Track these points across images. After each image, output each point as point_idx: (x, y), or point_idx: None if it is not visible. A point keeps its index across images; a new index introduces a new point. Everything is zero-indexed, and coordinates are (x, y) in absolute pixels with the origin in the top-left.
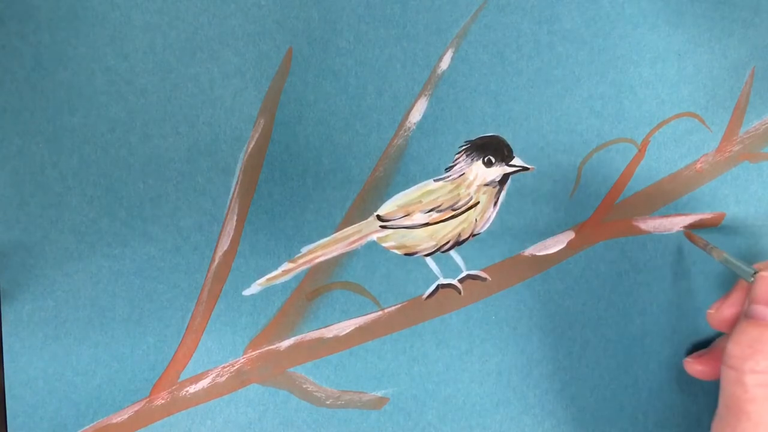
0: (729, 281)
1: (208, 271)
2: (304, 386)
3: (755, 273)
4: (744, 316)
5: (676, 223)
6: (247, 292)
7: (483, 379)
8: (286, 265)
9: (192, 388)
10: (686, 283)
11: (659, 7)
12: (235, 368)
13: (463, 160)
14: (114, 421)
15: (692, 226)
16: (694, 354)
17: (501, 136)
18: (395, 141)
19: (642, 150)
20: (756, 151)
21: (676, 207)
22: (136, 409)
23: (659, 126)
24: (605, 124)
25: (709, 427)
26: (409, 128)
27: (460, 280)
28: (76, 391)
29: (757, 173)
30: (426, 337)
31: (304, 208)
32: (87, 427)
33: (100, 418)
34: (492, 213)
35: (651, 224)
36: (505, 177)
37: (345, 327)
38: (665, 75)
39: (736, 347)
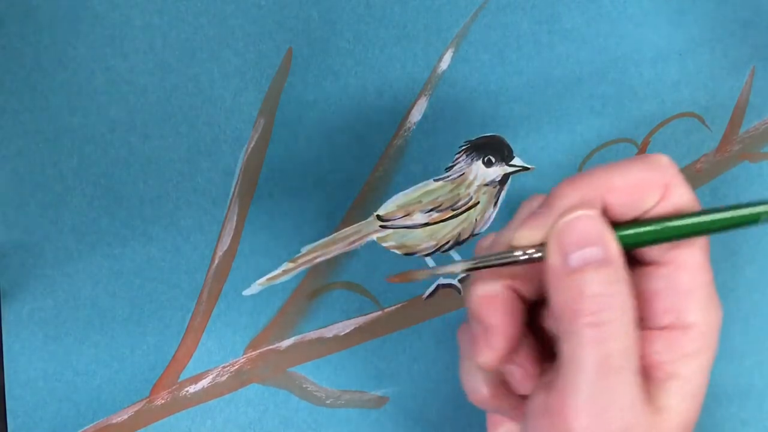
0: (731, 278)
1: (208, 271)
2: (304, 386)
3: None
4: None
5: None
6: (247, 292)
7: None
8: (286, 265)
9: (192, 388)
10: None
11: (660, 6)
12: (235, 368)
13: (463, 160)
14: (114, 421)
15: None
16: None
17: (501, 136)
18: (395, 141)
19: (642, 150)
20: (756, 151)
21: None
22: (136, 409)
23: (659, 126)
24: (605, 124)
25: (708, 428)
26: (409, 128)
27: (460, 280)
28: (76, 391)
29: (757, 173)
30: (426, 336)
31: (304, 208)
32: (87, 427)
33: (100, 418)
34: (492, 213)
35: None
36: (505, 177)
37: (345, 327)
38: (666, 75)
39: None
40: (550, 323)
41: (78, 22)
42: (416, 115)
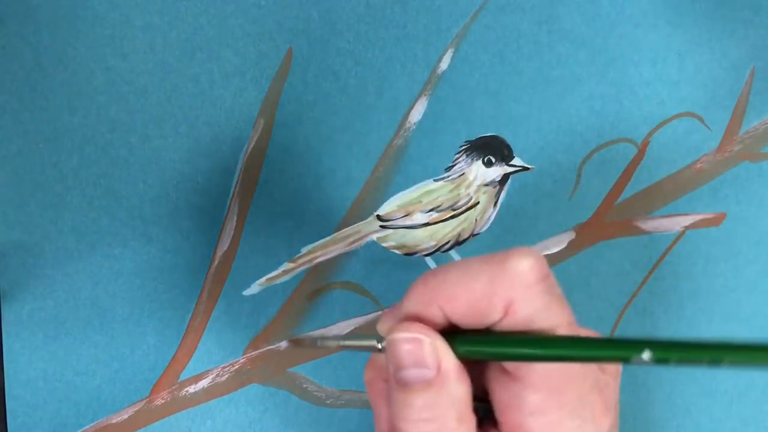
0: (732, 279)
1: (208, 271)
2: (304, 386)
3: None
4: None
5: (676, 223)
6: (247, 292)
7: None
8: (286, 265)
9: (192, 388)
10: (687, 284)
11: (659, 6)
12: (235, 368)
13: (463, 160)
14: (114, 421)
15: (693, 227)
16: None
17: (501, 136)
18: (395, 141)
19: (642, 150)
20: (756, 151)
21: (676, 207)
22: (136, 409)
23: (659, 126)
24: (605, 124)
25: (708, 428)
26: (409, 128)
27: None
28: (76, 391)
29: (757, 173)
30: None
31: (304, 208)
32: (87, 427)
33: (100, 418)
34: (492, 213)
35: (651, 224)
36: (505, 177)
37: (345, 327)
38: (665, 75)
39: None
40: None
41: (78, 22)
42: (416, 115)
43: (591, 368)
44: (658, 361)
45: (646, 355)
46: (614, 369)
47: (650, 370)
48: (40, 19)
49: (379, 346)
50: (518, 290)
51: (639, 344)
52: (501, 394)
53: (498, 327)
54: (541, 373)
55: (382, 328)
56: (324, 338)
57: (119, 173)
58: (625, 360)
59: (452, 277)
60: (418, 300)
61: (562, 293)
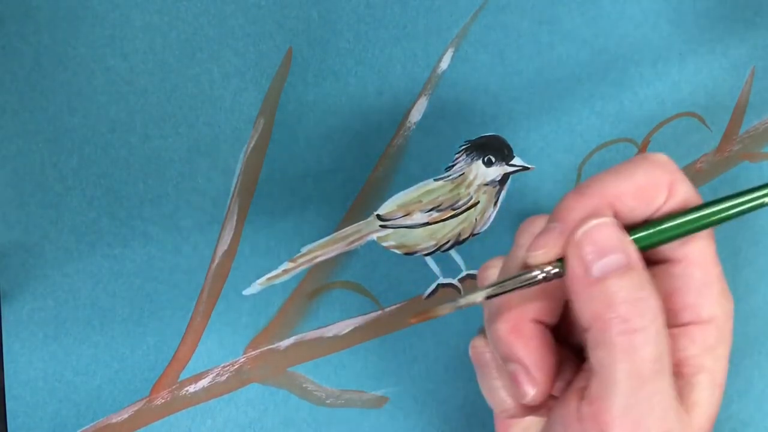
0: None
1: (208, 271)
2: (304, 385)
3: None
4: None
5: None
6: (247, 292)
7: None
8: (286, 265)
9: (192, 388)
10: None
11: (660, 7)
12: (235, 368)
13: (463, 159)
14: (114, 421)
15: None
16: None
17: (501, 136)
18: (395, 141)
19: (642, 150)
20: (756, 151)
21: None
22: (136, 409)
23: (659, 126)
24: (605, 124)
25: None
26: (409, 128)
27: (460, 280)
28: (76, 391)
29: (757, 173)
30: (426, 336)
31: (304, 208)
32: (87, 427)
33: (100, 418)
34: (492, 213)
35: None
36: (505, 177)
37: (345, 326)
38: (666, 75)
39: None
40: (575, 335)
41: (78, 22)
42: (416, 115)
43: None
44: None
45: None
46: None
47: None
48: (40, 19)
49: (542, 275)
50: (675, 173)
51: None
52: (665, 282)
53: (659, 214)
54: (698, 249)
55: (544, 249)
56: (463, 299)
57: (119, 173)
58: None
59: (612, 175)
60: (585, 204)
61: None
